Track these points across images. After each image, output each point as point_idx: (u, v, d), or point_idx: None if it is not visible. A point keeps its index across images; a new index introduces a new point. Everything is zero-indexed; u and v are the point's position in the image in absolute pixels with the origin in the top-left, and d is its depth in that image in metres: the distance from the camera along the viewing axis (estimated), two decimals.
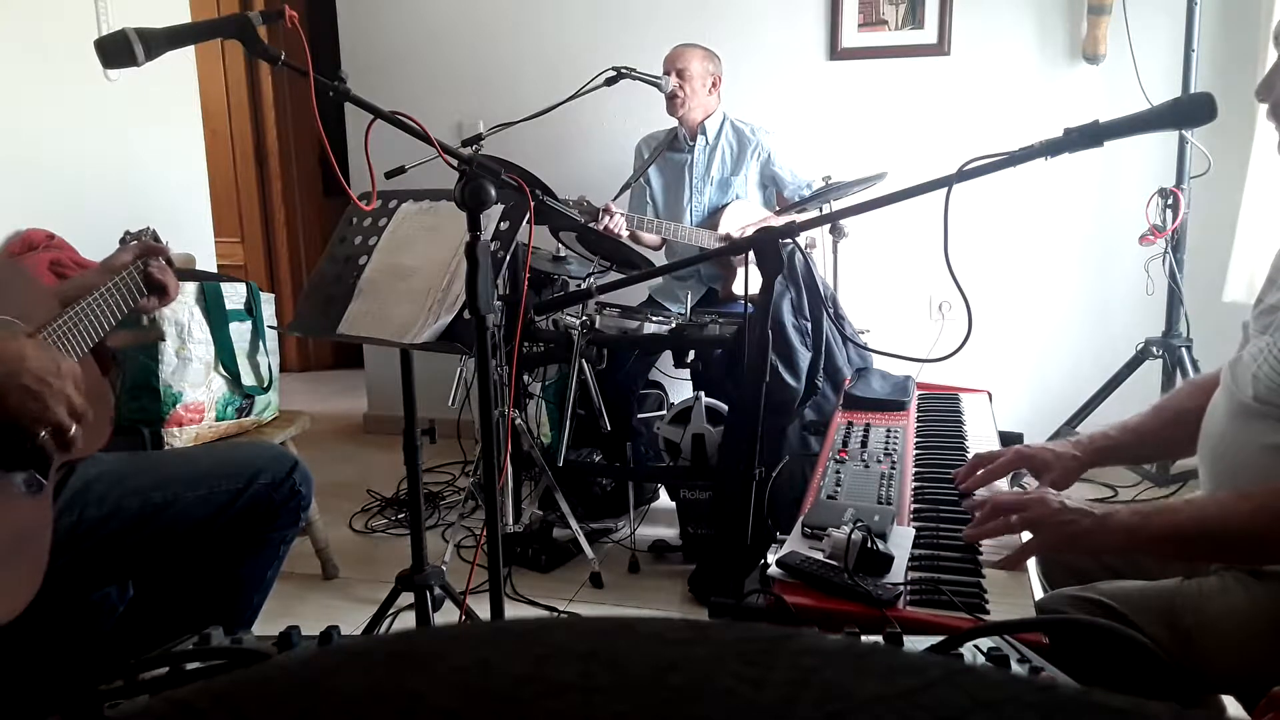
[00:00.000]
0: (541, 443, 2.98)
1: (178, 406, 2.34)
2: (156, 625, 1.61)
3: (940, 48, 3.54)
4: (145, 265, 1.54)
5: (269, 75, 5.07)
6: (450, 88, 3.96)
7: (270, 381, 2.56)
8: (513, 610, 2.47)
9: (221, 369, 2.44)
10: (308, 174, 5.31)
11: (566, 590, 2.71)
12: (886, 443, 1.67)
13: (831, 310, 2.74)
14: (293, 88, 5.12)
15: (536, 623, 0.30)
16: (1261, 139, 3.10)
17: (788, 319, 2.54)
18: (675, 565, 2.85)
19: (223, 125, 5.04)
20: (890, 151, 3.51)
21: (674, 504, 2.94)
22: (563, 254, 2.98)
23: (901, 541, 1.27)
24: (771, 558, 1.22)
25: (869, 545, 1.18)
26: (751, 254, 1.28)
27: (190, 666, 0.79)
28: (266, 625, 0.97)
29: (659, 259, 3.39)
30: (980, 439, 1.73)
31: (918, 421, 1.83)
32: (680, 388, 3.43)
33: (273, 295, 2.68)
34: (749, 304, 1.33)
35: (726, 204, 3.22)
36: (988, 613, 1.11)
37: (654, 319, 2.76)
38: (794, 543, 1.28)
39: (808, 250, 3.25)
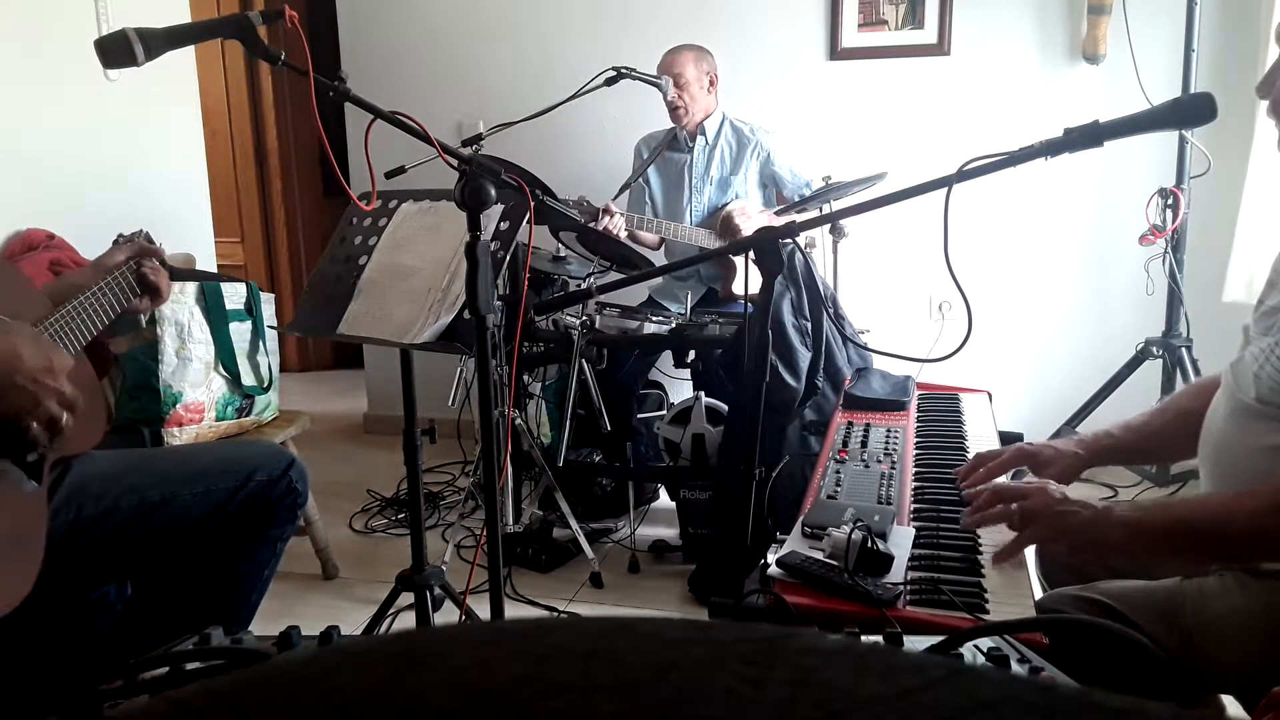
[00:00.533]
0: (541, 443, 2.98)
1: (178, 406, 2.34)
2: (155, 624, 1.61)
3: (940, 48, 3.54)
4: (138, 266, 1.54)
5: (269, 75, 5.07)
6: (450, 88, 3.96)
7: (270, 381, 2.56)
8: (513, 610, 2.47)
9: (221, 369, 2.44)
10: (308, 174, 5.31)
11: (566, 590, 2.71)
12: (886, 443, 1.67)
13: (831, 310, 2.74)
14: (293, 88, 5.11)
15: (536, 623, 0.30)
16: (1261, 138, 3.10)
17: (788, 319, 2.54)
18: (675, 565, 2.85)
19: (223, 125, 5.04)
20: (890, 151, 3.51)
21: (674, 504, 2.94)
22: (563, 254, 2.98)
23: (901, 541, 1.27)
24: (771, 558, 1.22)
25: (869, 545, 1.18)
26: (751, 254, 1.28)
27: (190, 666, 0.79)
28: (266, 625, 0.97)
29: (658, 259, 3.39)
30: (980, 439, 1.73)
31: (918, 421, 1.83)
32: (680, 388, 3.43)
33: (273, 295, 2.68)
34: (749, 304, 1.33)
35: (726, 203, 3.22)
36: (988, 613, 1.11)
37: (654, 319, 2.76)
38: (794, 543, 1.28)
39: (808, 250, 3.25)
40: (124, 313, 1.55)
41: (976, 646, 0.84)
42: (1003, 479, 1.48)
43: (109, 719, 0.71)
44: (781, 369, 2.50)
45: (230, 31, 1.38)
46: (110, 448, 1.58)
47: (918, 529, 1.34)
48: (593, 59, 3.13)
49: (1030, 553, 1.22)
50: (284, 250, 5.31)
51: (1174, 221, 3.20)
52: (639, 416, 3.15)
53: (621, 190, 3.27)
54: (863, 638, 0.79)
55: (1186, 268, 3.27)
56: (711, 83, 3.24)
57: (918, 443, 1.71)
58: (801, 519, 1.33)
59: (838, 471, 1.54)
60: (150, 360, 2.31)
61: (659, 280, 3.44)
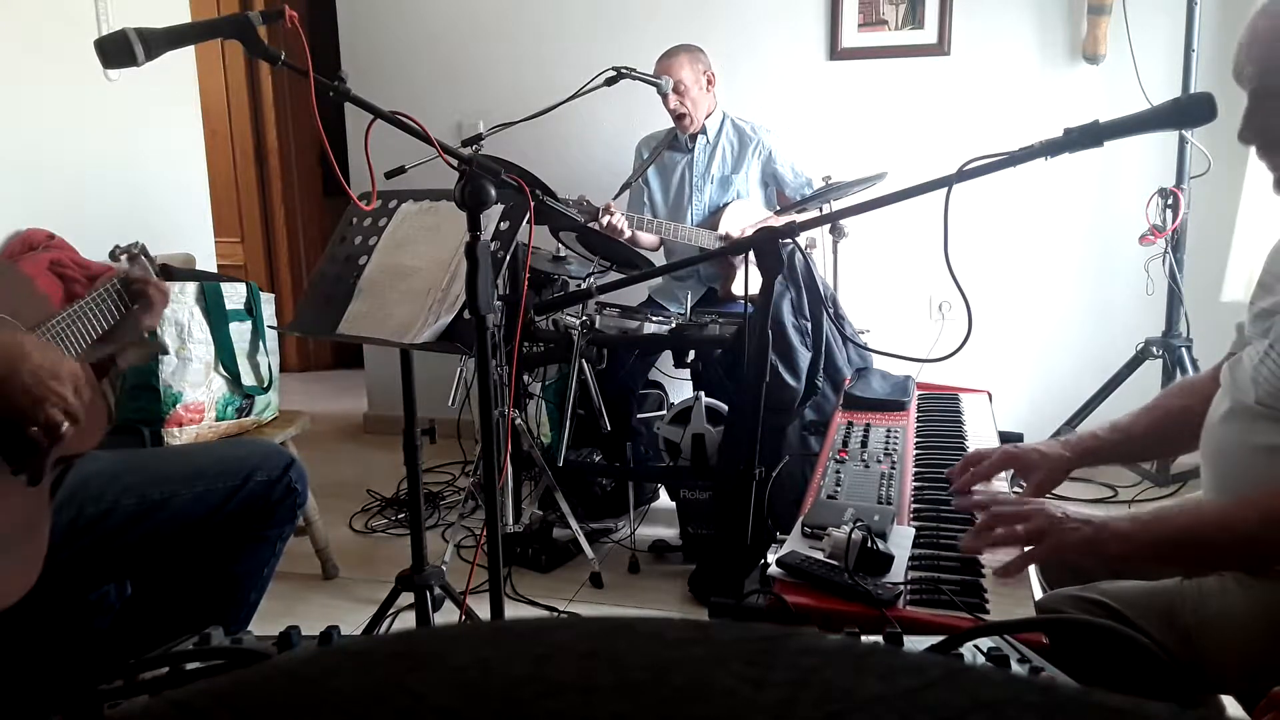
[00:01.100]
0: (541, 443, 2.98)
1: (178, 406, 2.34)
2: (154, 624, 1.61)
3: (940, 48, 3.54)
4: (126, 275, 1.53)
5: (269, 75, 5.07)
6: (450, 88, 3.96)
7: (270, 381, 2.56)
8: (513, 610, 2.47)
9: (221, 369, 2.44)
10: (308, 174, 5.31)
11: (566, 590, 2.71)
12: (886, 443, 1.67)
13: (831, 310, 2.74)
14: (293, 88, 5.11)
15: (536, 623, 0.30)
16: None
17: (788, 319, 2.54)
18: (675, 565, 2.85)
19: (223, 125, 5.04)
20: (890, 151, 3.51)
21: (674, 504, 2.94)
22: (563, 254, 2.98)
23: (901, 541, 1.27)
24: (771, 558, 1.22)
25: (869, 545, 1.18)
26: (751, 254, 1.28)
27: (190, 666, 0.79)
28: (266, 625, 0.97)
29: (657, 259, 3.39)
30: (980, 439, 1.73)
31: (918, 421, 1.83)
32: (680, 388, 3.43)
33: (273, 295, 2.68)
34: (749, 304, 1.33)
35: (727, 203, 3.22)
36: (988, 613, 1.11)
37: (654, 319, 2.76)
38: (794, 543, 1.28)
39: (808, 250, 3.25)
40: (121, 328, 1.52)
41: (976, 646, 0.84)
42: (1000, 483, 1.48)
43: (109, 719, 0.72)
44: (781, 369, 2.50)
45: (230, 31, 1.38)
46: (110, 448, 1.58)
47: (918, 529, 1.34)
48: (593, 59, 3.12)
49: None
50: (284, 250, 5.31)
51: (1174, 221, 3.20)
52: (639, 416, 3.15)
53: (621, 190, 3.27)
54: (863, 638, 0.79)
55: (1186, 268, 3.27)
56: (709, 82, 3.24)
57: (918, 443, 1.71)
58: (801, 519, 1.33)
59: (838, 471, 1.54)
60: (150, 360, 2.31)
61: (659, 280, 3.44)
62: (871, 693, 0.25)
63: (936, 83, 3.56)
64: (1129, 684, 1.10)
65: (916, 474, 1.56)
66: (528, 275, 2.71)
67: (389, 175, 2.58)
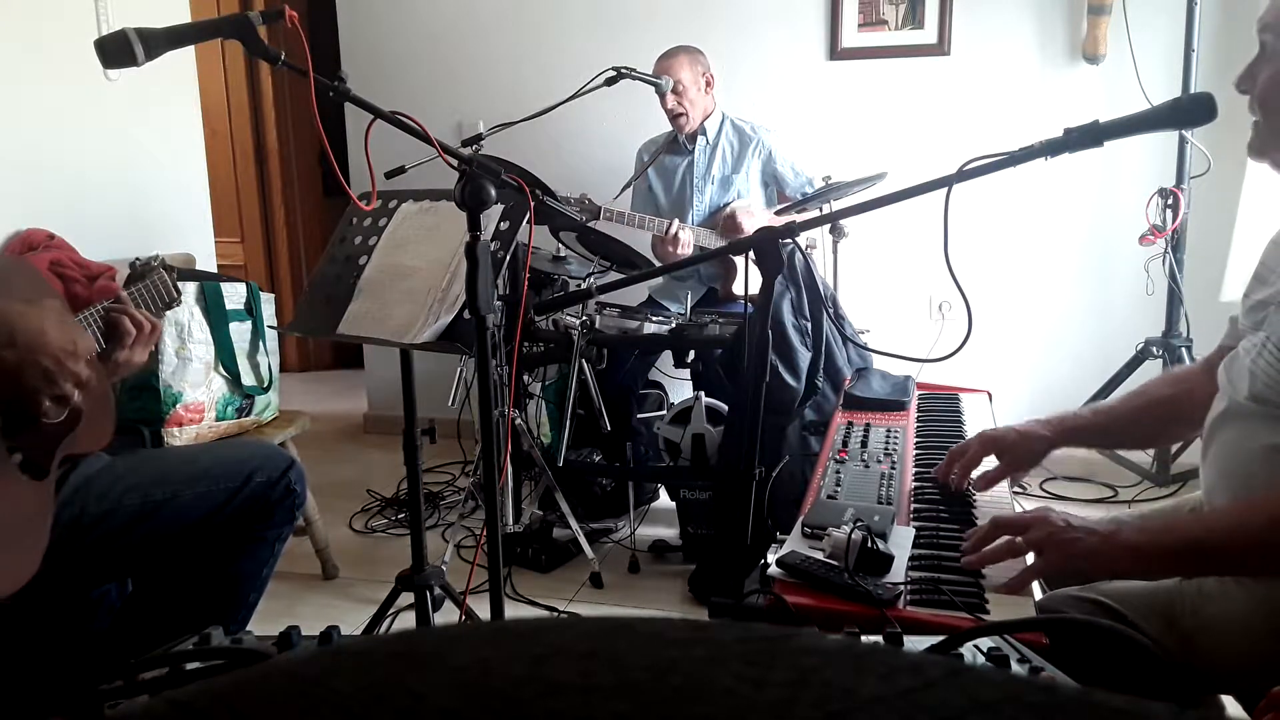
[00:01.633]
0: (541, 443, 2.98)
1: (178, 406, 2.34)
2: (154, 623, 1.62)
3: (940, 48, 3.54)
4: (106, 309, 1.47)
5: (269, 75, 5.07)
6: (450, 88, 3.96)
7: (270, 381, 2.56)
8: (513, 610, 2.47)
9: (221, 369, 2.44)
10: (308, 174, 5.31)
11: (566, 590, 2.71)
12: (886, 443, 1.67)
13: (831, 310, 2.74)
14: (293, 88, 5.11)
15: (536, 623, 0.30)
16: None
17: (788, 319, 2.54)
18: (675, 565, 2.85)
19: (223, 125, 5.04)
20: (890, 151, 3.51)
21: (674, 504, 2.94)
22: (563, 254, 2.98)
23: (901, 541, 1.27)
24: (771, 558, 1.22)
25: (869, 545, 1.18)
26: (751, 254, 1.28)
27: (190, 666, 0.79)
28: (266, 625, 0.97)
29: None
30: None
31: (918, 421, 1.83)
32: (680, 388, 3.42)
33: (273, 295, 2.68)
34: (749, 304, 1.33)
35: (728, 202, 3.22)
36: (988, 613, 1.11)
37: (654, 319, 2.76)
38: (794, 543, 1.28)
39: (808, 250, 3.25)
40: (106, 356, 1.48)
41: (976, 646, 0.84)
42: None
43: (109, 719, 0.72)
44: (781, 369, 2.50)
45: (230, 31, 1.38)
46: (110, 448, 1.58)
47: (918, 529, 1.34)
48: (593, 59, 3.12)
49: (1029, 556, 1.21)
50: (284, 250, 5.31)
51: (1174, 221, 3.20)
52: (639, 416, 3.15)
53: (622, 191, 3.27)
54: (863, 638, 0.79)
55: (1186, 268, 3.27)
56: (708, 83, 3.24)
57: (918, 443, 1.71)
58: (801, 519, 1.33)
59: (838, 471, 1.54)
60: (150, 360, 2.31)
61: (659, 280, 3.44)
62: (871, 693, 0.25)
63: (936, 83, 3.56)
64: (1129, 684, 1.10)
65: (916, 474, 1.56)
66: (528, 275, 2.71)
67: (389, 175, 2.58)
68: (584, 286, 2.72)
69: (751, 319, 1.29)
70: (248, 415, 2.51)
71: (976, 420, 1.85)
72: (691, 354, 2.77)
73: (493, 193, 1.45)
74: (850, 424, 1.79)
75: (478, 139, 2.81)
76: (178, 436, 2.34)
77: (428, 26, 3.98)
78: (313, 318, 1.86)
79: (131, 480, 1.56)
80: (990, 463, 1.49)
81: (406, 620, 2.32)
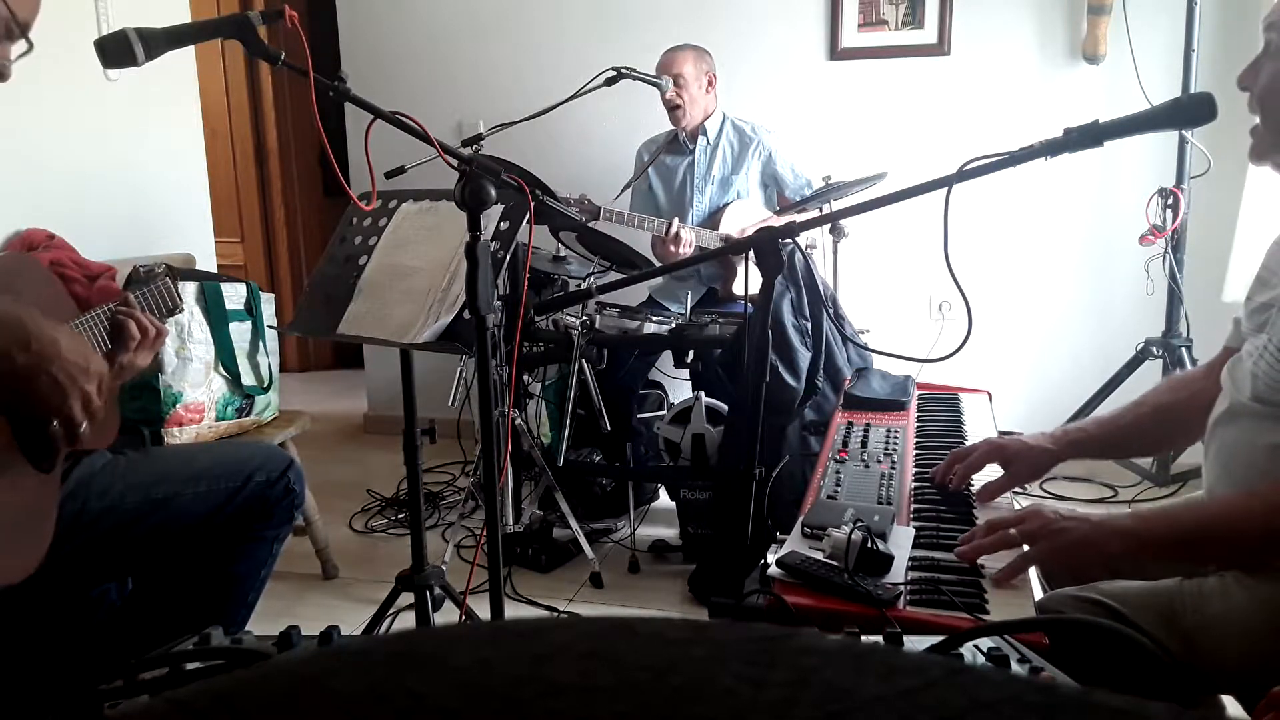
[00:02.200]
0: (541, 443, 2.98)
1: (178, 406, 2.34)
2: (153, 623, 1.62)
3: (940, 48, 3.54)
4: (113, 311, 1.49)
5: (269, 75, 5.07)
6: (450, 88, 3.96)
7: (270, 381, 2.56)
8: (513, 610, 2.47)
9: (221, 369, 2.44)
10: (308, 174, 5.31)
11: (566, 590, 2.71)
12: (886, 443, 1.67)
13: (831, 310, 2.74)
14: (293, 88, 5.11)
15: (536, 623, 0.30)
16: None
17: (788, 319, 2.54)
18: (675, 565, 2.85)
19: (223, 125, 5.04)
20: (890, 151, 3.51)
21: (674, 504, 2.94)
22: (563, 254, 2.98)
23: (901, 541, 1.27)
24: (771, 558, 1.22)
25: (869, 545, 1.18)
26: (751, 254, 1.28)
27: (190, 666, 0.79)
28: (266, 625, 0.97)
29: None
30: (980, 439, 1.73)
31: (918, 421, 1.83)
32: (680, 388, 3.42)
33: (273, 295, 2.68)
34: (749, 304, 1.33)
35: (728, 203, 3.22)
36: (988, 613, 1.11)
37: (654, 319, 2.76)
38: (794, 543, 1.28)
39: (808, 250, 3.25)
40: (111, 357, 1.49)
41: (976, 646, 0.84)
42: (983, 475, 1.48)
43: (109, 719, 0.72)
44: (781, 369, 2.50)
45: (230, 31, 1.38)
46: (113, 446, 1.59)
47: (918, 529, 1.34)
48: (593, 59, 3.12)
49: (1027, 548, 1.21)
50: (284, 250, 5.31)
51: (1174, 221, 3.20)
52: (639, 416, 3.15)
53: (622, 191, 3.27)
54: (863, 638, 0.79)
55: (1186, 268, 3.27)
56: (710, 83, 3.24)
57: (918, 443, 1.71)
58: (801, 519, 1.33)
59: (838, 471, 1.54)
60: (153, 365, 2.31)
61: (659, 280, 3.44)
62: (871, 693, 0.25)
63: (936, 83, 3.56)
64: (1129, 684, 1.10)
65: (916, 474, 1.56)
66: (528, 275, 2.71)
67: (389, 175, 2.58)
68: (584, 286, 2.72)
69: (751, 319, 1.29)
70: (248, 415, 2.51)
71: (976, 420, 1.85)
72: (691, 354, 2.77)
73: (493, 193, 1.45)
74: (850, 424, 1.79)
75: (478, 139, 2.81)
76: (178, 436, 2.34)
77: (428, 26, 3.98)
78: (313, 318, 1.86)
79: (132, 478, 1.57)
80: (992, 470, 1.49)
81: (406, 620, 2.32)
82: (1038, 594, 1.25)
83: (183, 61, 2.95)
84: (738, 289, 3.18)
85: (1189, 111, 1.16)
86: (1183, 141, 3.20)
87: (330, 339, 2.01)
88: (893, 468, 1.54)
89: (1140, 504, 3.11)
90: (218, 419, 2.43)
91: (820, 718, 0.24)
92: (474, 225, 1.45)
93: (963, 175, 1.19)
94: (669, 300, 3.24)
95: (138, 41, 1.34)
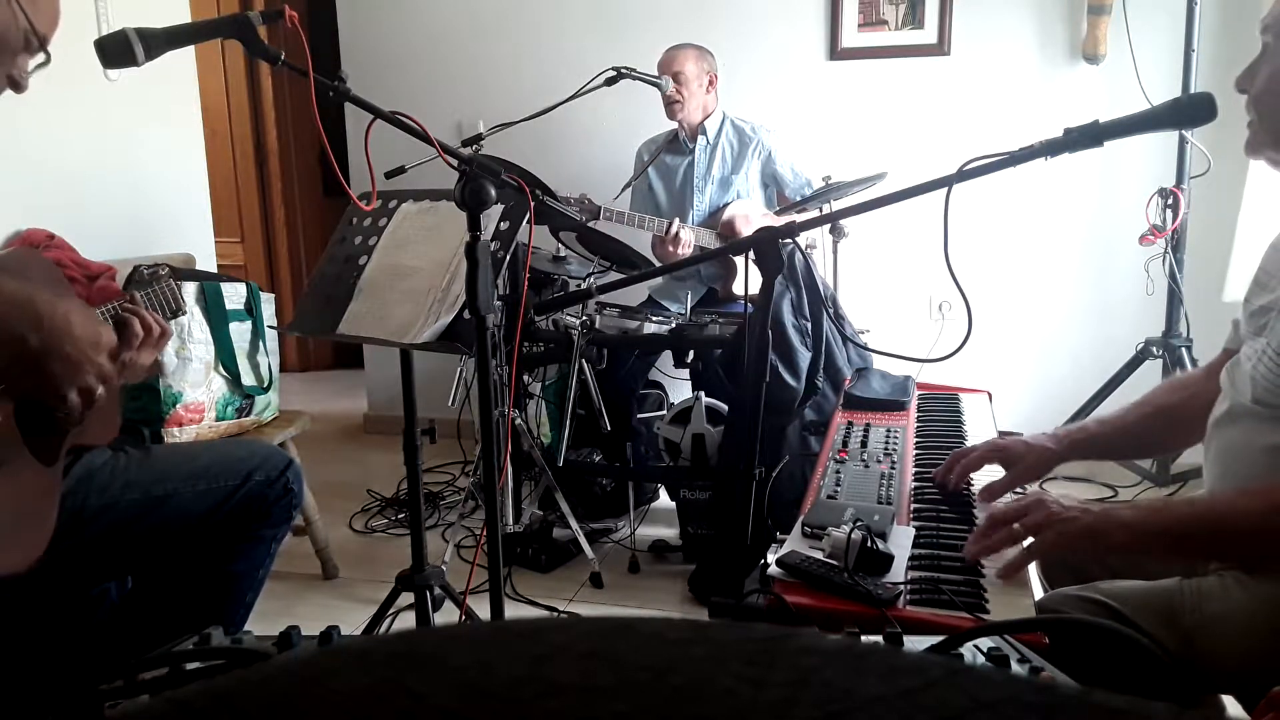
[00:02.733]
0: (541, 443, 2.98)
1: (178, 406, 2.34)
2: (152, 622, 1.62)
3: (940, 48, 3.54)
4: (118, 308, 1.48)
5: (269, 75, 5.07)
6: (450, 88, 3.96)
7: (270, 381, 2.56)
8: (513, 610, 2.47)
9: (221, 369, 2.44)
10: (308, 174, 5.31)
11: (566, 590, 2.71)
12: (886, 443, 1.67)
13: (831, 310, 2.74)
14: (293, 88, 5.11)
15: (536, 623, 0.30)
16: None
17: (788, 319, 2.54)
18: (675, 565, 2.85)
19: (223, 125, 5.04)
20: (890, 151, 3.51)
21: (674, 504, 2.94)
22: (563, 254, 2.98)
23: (901, 541, 1.27)
24: (771, 558, 1.22)
25: (869, 545, 1.18)
26: (751, 254, 1.28)
27: (190, 666, 0.79)
28: (266, 625, 0.97)
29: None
30: (980, 439, 1.73)
31: (918, 421, 1.83)
32: (680, 388, 3.43)
33: (273, 295, 2.68)
34: (749, 304, 1.33)
35: (728, 203, 3.22)
36: (988, 613, 1.11)
37: (654, 319, 2.76)
38: (794, 542, 1.28)
39: (808, 250, 3.25)
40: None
41: (976, 646, 0.84)
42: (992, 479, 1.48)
43: (109, 719, 0.72)
44: (781, 369, 2.50)
45: (230, 31, 1.38)
46: (113, 444, 1.59)
47: (918, 529, 1.34)
48: (593, 59, 3.12)
49: (1026, 541, 1.21)
50: (284, 250, 5.31)
51: (1174, 221, 3.20)
52: (639, 416, 3.15)
53: (622, 191, 3.27)
54: (863, 638, 0.79)
55: (1186, 268, 3.27)
56: (711, 82, 3.24)
57: (918, 443, 1.71)
58: (801, 519, 1.33)
59: (838, 471, 1.54)
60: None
61: (659, 280, 3.44)
62: (871, 693, 0.25)
63: (936, 83, 3.56)
64: (1129, 684, 1.10)
65: (916, 474, 1.56)
66: (528, 275, 2.71)
67: (389, 175, 2.58)
68: (584, 286, 2.72)
69: (751, 319, 1.29)
70: (248, 415, 2.51)
71: (976, 420, 1.85)
72: (691, 354, 2.77)
73: (493, 193, 1.45)
74: (850, 424, 1.79)
75: (478, 139, 2.81)
76: (177, 436, 2.34)
77: (428, 26, 3.98)
78: (313, 318, 1.86)
79: (132, 475, 1.57)
80: (993, 470, 1.49)
81: (406, 620, 2.32)
82: (1038, 594, 1.25)
83: (183, 61, 2.95)
84: (738, 289, 3.18)
85: (1189, 111, 1.16)
86: (1183, 141, 3.20)
87: (330, 339, 2.01)
88: (893, 468, 1.54)
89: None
90: (218, 419, 2.43)
91: (820, 718, 0.24)
92: (474, 225, 1.45)
93: (963, 175, 1.19)
94: (669, 300, 3.24)
95: (138, 41, 1.34)
